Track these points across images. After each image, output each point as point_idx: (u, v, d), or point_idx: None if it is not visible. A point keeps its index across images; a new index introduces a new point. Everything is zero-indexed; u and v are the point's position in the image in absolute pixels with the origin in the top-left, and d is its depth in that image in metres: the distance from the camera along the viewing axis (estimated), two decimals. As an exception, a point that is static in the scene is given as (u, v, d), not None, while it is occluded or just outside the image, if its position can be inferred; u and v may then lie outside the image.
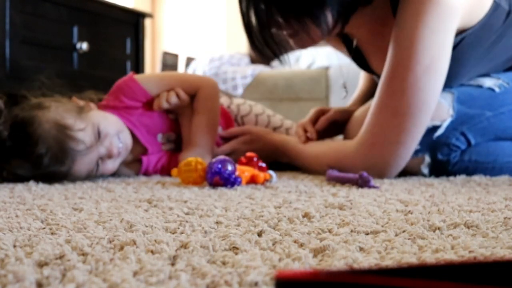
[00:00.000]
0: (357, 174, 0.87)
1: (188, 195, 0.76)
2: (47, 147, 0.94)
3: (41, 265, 0.37)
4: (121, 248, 0.41)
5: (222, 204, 0.65)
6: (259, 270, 0.34)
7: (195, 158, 0.93)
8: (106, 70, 1.79)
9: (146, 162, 1.15)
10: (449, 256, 0.38)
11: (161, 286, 0.32)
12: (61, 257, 0.38)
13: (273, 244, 0.43)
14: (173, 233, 0.48)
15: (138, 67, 1.93)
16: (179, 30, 5.59)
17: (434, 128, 1.00)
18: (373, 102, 0.98)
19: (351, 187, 0.85)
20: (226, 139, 1.25)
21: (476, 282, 0.22)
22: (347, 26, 0.99)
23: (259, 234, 0.47)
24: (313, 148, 1.11)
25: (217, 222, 0.53)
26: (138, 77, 1.18)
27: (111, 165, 1.04)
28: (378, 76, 0.99)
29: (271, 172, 0.94)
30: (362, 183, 0.84)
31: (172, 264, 0.37)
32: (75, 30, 1.67)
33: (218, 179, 0.85)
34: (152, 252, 0.40)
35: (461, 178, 0.98)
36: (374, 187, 0.83)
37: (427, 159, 1.02)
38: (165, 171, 1.15)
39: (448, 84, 1.01)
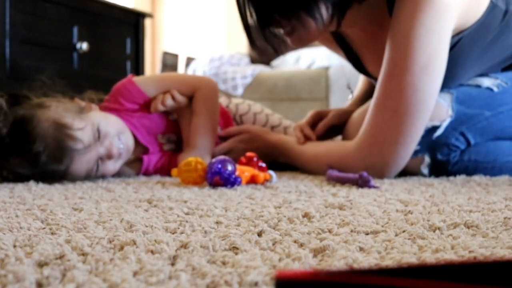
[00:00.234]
0: (357, 174, 0.87)
1: (188, 195, 0.76)
2: (45, 145, 0.94)
3: (41, 265, 0.37)
4: (121, 248, 0.41)
5: (222, 204, 0.65)
6: (259, 270, 0.34)
7: (195, 158, 0.93)
8: (106, 70, 1.79)
9: (146, 161, 1.15)
10: (449, 256, 0.38)
11: (161, 286, 0.32)
12: (61, 257, 0.38)
13: (273, 244, 0.43)
14: (173, 233, 0.48)
15: (138, 67, 1.93)
16: (179, 30, 5.59)
17: (434, 129, 1.00)
18: (372, 103, 0.98)
19: (351, 187, 0.85)
20: (224, 138, 1.25)
21: (476, 282, 0.22)
22: (344, 23, 0.99)
23: (259, 234, 0.47)
24: (312, 149, 1.11)
25: (217, 222, 0.53)
26: (136, 79, 1.18)
27: (112, 166, 1.04)
28: (375, 79, 0.99)
29: (271, 172, 0.94)
30: (362, 183, 0.84)
31: (172, 264, 0.37)
32: (75, 30, 1.67)
33: (218, 179, 0.85)
34: (152, 252, 0.40)
35: (461, 178, 0.98)
36: (374, 187, 0.83)
37: (427, 159, 1.02)
38: (165, 171, 1.15)
39: (447, 85, 1.01)
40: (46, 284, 0.32)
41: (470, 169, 1.03)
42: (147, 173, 1.16)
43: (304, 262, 0.38)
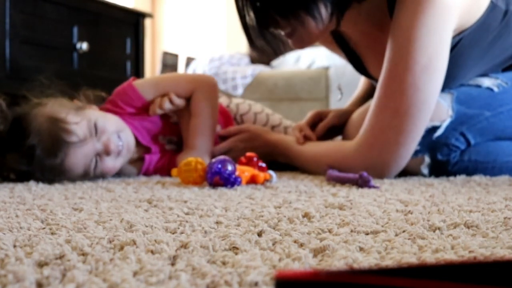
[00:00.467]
0: (357, 174, 0.87)
1: (188, 195, 0.76)
2: (39, 139, 0.95)
3: (41, 265, 0.37)
4: (121, 248, 0.41)
5: (222, 204, 0.65)
6: (259, 270, 0.34)
7: (195, 158, 0.93)
8: (106, 70, 1.79)
9: (148, 160, 1.16)
10: (449, 256, 0.38)
11: (161, 286, 0.32)
12: (61, 257, 0.38)
13: (273, 244, 0.43)
14: (173, 233, 0.48)
15: (138, 67, 1.92)
16: (179, 30, 5.59)
17: (434, 129, 1.00)
18: (372, 103, 0.98)
19: (351, 187, 0.85)
20: (224, 138, 1.25)
21: (476, 282, 0.22)
22: (344, 24, 0.99)
23: (259, 234, 0.47)
24: (312, 149, 1.11)
25: (217, 222, 0.53)
26: (136, 83, 1.18)
27: (111, 164, 1.04)
28: (376, 81, 0.99)
29: (271, 172, 0.94)
30: (362, 183, 0.84)
31: (172, 264, 0.37)
32: (75, 30, 1.67)
33: (218, 179, 0.85)
34: (152, 252, 0.40)
35: (461, 178, 0.98)
36: (374, 187, 0.83)
37: (427, 159, 1.02)
38: (166, 170, 1.16)
39: (448, 85, 1.01)
40: (46, 284, 0.32)
41: (470, 169, 1.03)
42: (147, 173, 1.16)
43: (304, 262, 0.38)
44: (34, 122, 0.97)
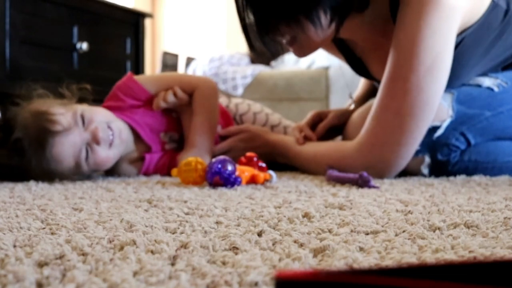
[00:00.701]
0: (357, 174, 0.87)
1: (188, 195, 0.76)
2: (25, 132, 0.98)
3: (41, 265, 0.37)
4: (121, 248, 0.41)
5: (222, 204, 0.65)
6: (259, 270, 0.34)
7: (195, 158, 0.93)
8: (106, 70, 1.79)
9: (148, 160, 1.15)
10: (449, 256, 0.38)
11: (161, 286, 0.32)
12: (61, 257, 0.38)
13: (273, 244, 0.43)
14: (173, 233, 0.48)
15: (138, 67, 1.92)
16: (179, 30, 5.59)
17: (434, 129, 1.00)
18: (375, 103, 0.97)
19: (351, 187, 0.85)
20: (224, 138, 1.26)
21: (476, 282, 0.22)
22: (345, 32, 0.99)
23: (259, 234, 0.47)
24: (312, 149, 1.11)
25: (217, 222, 0.53)
26: (137, 77, 1.20)
27: (104, 154, 1.03)
28: (378, 82, 0.99)
29: (271, 172, 0.94)
30: (362, 183, 0.84)
31: (172, 264, 0.37)
32: (75, 30, 1.67)
33: (218, 179, 0.85)
34: (152, 252, 0.40)
35: (461, 178, 0.98)
36: (374, 187, 0.83)
37: (427, 159, 1.02)
38: (166, 170, 1.16)
39: (451, 85, 1.01)
40: (46, 284, 0.32)
41: (470, 169, 1.03)
42: (147, 173, 1.16)
43: (304, 262, 0.38)
44: (19, 117, 1.00)
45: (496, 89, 1.05)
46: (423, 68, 0.90)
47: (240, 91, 3.02)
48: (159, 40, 5.66)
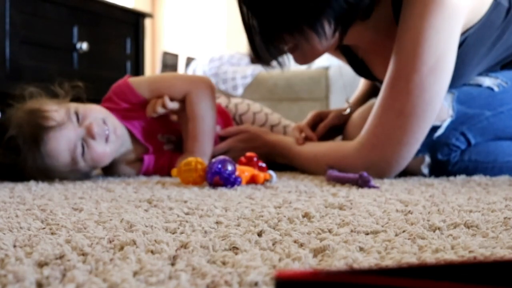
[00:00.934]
0: (357, 174, 0.87)
1: (188, 195, 0.76)
2: (18, 129, 0.98)
3: (41, 265, 0.37)
4: (121, 248, 0.41)
5: (222, 204, 0.65)
6: (259, 270, 0.34)
7: (195, 158, 0.93)
8: (106, 70, 1.79)
9: (147, 161, 1.15)
10: (449, 256, 0.38)
11: (161, 286, 0.32)
12: (61, 257, 0.38)
13: (273, 244, 0.43)
14: (173, 233, 0.48)
15: (138, 67, 1.92)
16: (179, 30, 5.59)
17: (434, 128, 1.00)
18: (377, 103, 0.97)
19: (351, 187, 0.85)
20: (224, 138, 1.25)
21: (476, 282, 0.22)
22: (349, 39, 0.99)
23: (259, 234, 0.47)
24: (312, 149, 1.11)
25: (217, 222, 0.53)
26: (132, 80, 1.17)
27: (100, 149, 1.03)
28: (381, 83, 0.99)
29: (271, 172, 0.94)
30: (362, 183, 0.84)
31: (172, 264, 0.37)
32: (75, 30, 1.67)
33: (218, 179, 0.85)
34: (152, 252, 0.40)
35: (461, 178, 0.98)
36: (374, 187, 0.83)
37: (427, 159, 1.02)
38: (166, 170, 1.15)
39: (454, 84, 1.01)
40: (46, 284, 0.32)
41: (470, 169, 1.03)
42: (147, 173, 1.16)
43: (304, 262, 0.38)
44: (13, 116, 1.01)
45: (496, 89, 1.05)
46: (426, 68, 0.90)
47: (240, 91, 3.02)
48: (159, 40, 5.66)
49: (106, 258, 0.37)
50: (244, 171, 0.90)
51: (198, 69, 3.36)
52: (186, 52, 4.87)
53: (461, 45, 0.97)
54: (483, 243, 0.42)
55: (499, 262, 0.23)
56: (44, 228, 0.50)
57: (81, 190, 0.85)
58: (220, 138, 1.25)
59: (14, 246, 0.42)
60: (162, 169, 1.17)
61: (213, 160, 0.88)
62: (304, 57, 1.01)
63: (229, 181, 0.85)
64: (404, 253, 0.39)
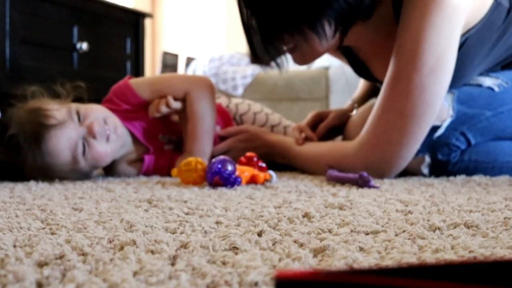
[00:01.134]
0: (357, 174, 0.87)
1: (188, 195, 0.76)
2: (19, 128, 0.99)
3: (41, 265, 0.37)
4: (121, 248, 0.41)
5: (222, 204, 0.65)
6: (259, 270, 0.34)
7: (195, 158, 0.93)
8: (106, 70, 1.79)
9: (147, 161, 1.15)
10: (449, 256, 0.38)
11: (161, 286, 0.32)
12: (61, 257, 0.38)
13: (273, 244, 0.43)
14: (173, 233, 0.48)
15: (138, 67, 1.92)
16: (179, 30, 5.59)
17: (434, 129, 1.00)
18: (377, 103, 0.97)
19: (351, 187, 0.85)
20: (223, 138, 1.25)
21: (476, 282, 0.22)
22: (350, 39, 0.99)
23: (259, 234, 0.47)
24: (311, 149, 1.11)
25: (217, 222, 0.53)
26: (132, 81, 1.17)
27: (101, 148, 1.03)
28: (381, 83, 0.99)
29: (271, 172, 0.94)
30: (362, 183, 0.84)
31: (172, 264, 0.37)
32: (75, 30, 1.67)
33: (218, 179, 0.85)
34: (152, 252, 0.40)
35: (461, 178, 0.98)
36: (374, 187, 0.83)
37: (427, 159, 1.02)
38: (166, 170, 1.15)
39: (455, 84, 1.01)
40: (46, 284, 0.32)
41: (470, 169, 1.03)
42: (147, 173, 1.16)
43: (304, 262, 0.38)
44: (14, 115, 1.01)
45: (496, 89, 1.05)
46: (427, 68, 0.90)
47: (240, 91, 3.02)
48: (159, 40, 5.66)
49: (106, 258, 0.37)
50: (244, 171, 0.90)
51: (198, 69, 3.36)
52: (186, 52, 4.88)
53: (461, 46, 0.97)
54: (483, 243, 0.42)
55: (499, 262, 0.23)
56: (44, 228, 0.50)
57: (81, 190, 0.85)
58: (220, 138, 1.25)
59: (14, 246, 0.42)
60: (162, 169, 1.17)
61: (213, 160, 0.88)
62: (304, 58, 1.01)
63: (229, 181, 0.85)
64: (404, 253, 0.39)
